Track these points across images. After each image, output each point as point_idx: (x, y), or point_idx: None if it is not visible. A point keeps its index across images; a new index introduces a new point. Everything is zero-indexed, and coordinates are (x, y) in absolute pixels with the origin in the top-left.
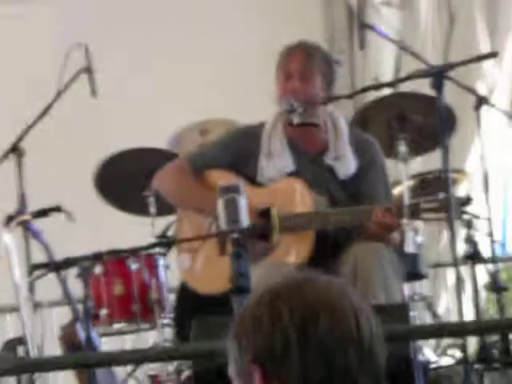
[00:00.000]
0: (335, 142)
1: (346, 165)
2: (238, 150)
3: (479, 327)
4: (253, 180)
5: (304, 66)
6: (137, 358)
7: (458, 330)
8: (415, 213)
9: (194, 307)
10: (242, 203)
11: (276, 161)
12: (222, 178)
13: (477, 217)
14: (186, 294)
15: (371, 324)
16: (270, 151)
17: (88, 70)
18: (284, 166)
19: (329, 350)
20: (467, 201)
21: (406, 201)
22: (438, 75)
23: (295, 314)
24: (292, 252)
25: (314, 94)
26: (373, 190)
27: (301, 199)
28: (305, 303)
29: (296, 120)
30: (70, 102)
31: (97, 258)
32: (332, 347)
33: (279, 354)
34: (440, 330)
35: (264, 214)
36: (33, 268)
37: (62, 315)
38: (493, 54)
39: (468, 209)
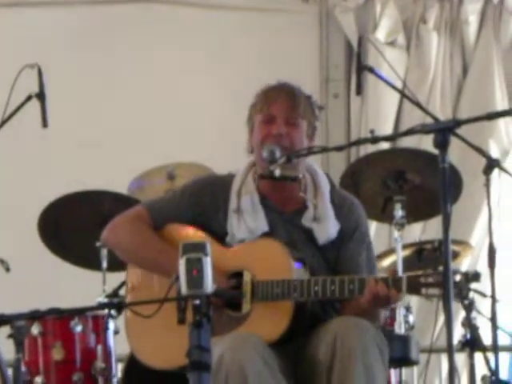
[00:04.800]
0: (315, 201)
1: (327, 228)
2: (204, 203)
3: None
4: (220, 239)
5: (290, 109)
6: None
7: None
8: (414, 287)
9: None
10: (208, 265)
11: (247, 220)
12: (185, 233)
13: (484, 295)
14: (134, 367)
15: None
16: (239, 208)
17: (40, 96)
18: (256, 226)
19: None
20: (475, 277)
21: (400, 273)
22: (444, 132)
23: None
24: (265, 325)
25: (301, 142)
26: (355, 260)
27: (280, 264)
28: None
29: (278, 172)
30: (17, 131)
31: (34, 317)
32: None
33: None
34: None
35: (235, 278)
36: None
37: None
38: (508, 112)
39: (474, 286)
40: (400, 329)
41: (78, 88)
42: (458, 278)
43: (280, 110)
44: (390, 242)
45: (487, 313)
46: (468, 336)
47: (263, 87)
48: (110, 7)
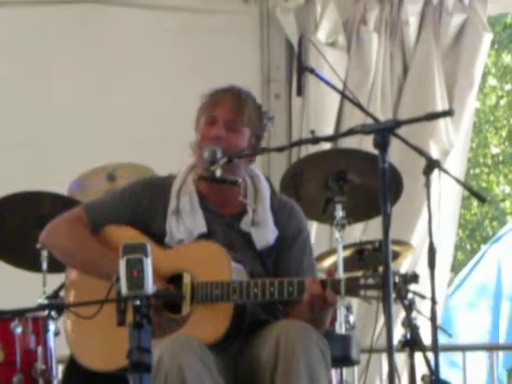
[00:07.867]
0: (254, 206)
1: (265, 234)
2: (143, 205)
3: None
4: (159, 240)
5: (232, 113)
6: None
7: None
8: (352, 290)
9: None
10: (149, 265)
11: (185, 220)
12: (124, 235)
13: (422, 297)
14: (75, 368)
15: None
16: (178, 209)
17: None
18: (194, 227)
19: None
20: (413, 278)
21: (341, 273)
22: (384, 133)
23: None
24: (205, 327)
25: (240, 148)
26: (299, 266)
27: (219, 265)
28: None
29: (218, 172)
30: None
31: None
32: None
33: None
34: None
35: (175, 280)
36: None
37: None
38: (448, 113)
39: (413, 288)
40: (341, 329)
41: (15, 88)
42: (396, 279)
43: (222, 112)
44: (330, 242)
45: (427, 313)
46: (408, 336)
47: (212, 89)
48: (44, 8)
